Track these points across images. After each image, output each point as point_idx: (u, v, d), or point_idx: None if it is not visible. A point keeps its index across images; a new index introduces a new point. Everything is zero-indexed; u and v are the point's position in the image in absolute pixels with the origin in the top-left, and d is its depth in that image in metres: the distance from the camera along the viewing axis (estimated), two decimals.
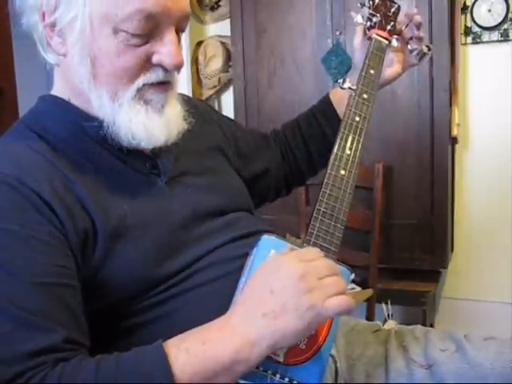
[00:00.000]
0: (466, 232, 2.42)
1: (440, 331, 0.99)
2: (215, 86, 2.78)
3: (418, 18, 1.07)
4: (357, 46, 1.11)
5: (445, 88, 2.12)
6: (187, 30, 0.86)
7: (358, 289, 2.03)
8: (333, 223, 0.86)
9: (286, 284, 0.68)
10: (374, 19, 1.07)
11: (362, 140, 0.95)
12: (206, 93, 2.81)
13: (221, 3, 2.77)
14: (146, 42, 0.78)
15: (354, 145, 0.93)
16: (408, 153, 2.18)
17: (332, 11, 2.24)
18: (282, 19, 2.35)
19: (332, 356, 0.93)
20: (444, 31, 2.09)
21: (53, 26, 0.79)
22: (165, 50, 0.79)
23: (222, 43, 2.72)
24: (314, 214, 0.86)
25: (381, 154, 2.15)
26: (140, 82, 0.80)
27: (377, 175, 2.06)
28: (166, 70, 0.81)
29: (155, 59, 0.80)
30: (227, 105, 2.77)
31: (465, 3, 2.29)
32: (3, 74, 2.23)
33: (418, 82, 2.13)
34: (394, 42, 1.08)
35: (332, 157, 0.92)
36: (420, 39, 1.09)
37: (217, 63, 2.74)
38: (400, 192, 2.20)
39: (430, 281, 2.25)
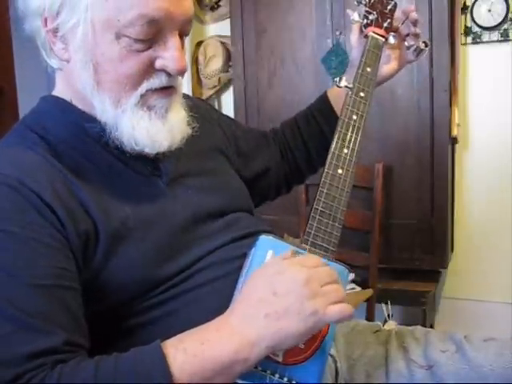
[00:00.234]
0: (466, 232, 2.42)
1: (440, 332, 0.99)
2: (215, 86, 2.78)
3: (414, 15, 1.07)
4: (353, 44, 1.11)
5: (445, 88, 2.11)
6: None
7: (358, 289, 2.03)
8: (331, 222, 0.86)
9: (290, 287, 0.69)
10: (371, 17, 1.07)
11: (359, 138, 0.94)
12: (206, 93, 2.80)
13: (221, 3, 2.77)
14: (149, 47, 0.78)
15: (352, 143, 0.93)
16: (408, 153, 2.18)
17: (332, 11, 2.24)
18: (282, 19, 2.34)
19: (332, 356, 0.93)
20: (444, 31, 2.09)
21: (55, 31, 0.79)
22: (168, 54, 0.78)
23: (222, 43, 2.71)
24: (312, 214, 0.86)
25: (381, 155, 2.15)
26: (143, 87, 0.79)
27: (377, 175, 2.06)
28: (169, 74, 0.80)
29: (158, 64, 0.79)
30: (227, 105, 2.77)
31: (465, 3, 2.29)
32: (3, 75, 2.23)
33: (417, 82, 2.12)
34: (391, 39, 1.08)
35: (329, 156, 0.91)
36: (417, 35, 1.09)
37: (217, 63, 2.74)
38: (400, 192, 2.20)
39: (430, 281, 2.25)
